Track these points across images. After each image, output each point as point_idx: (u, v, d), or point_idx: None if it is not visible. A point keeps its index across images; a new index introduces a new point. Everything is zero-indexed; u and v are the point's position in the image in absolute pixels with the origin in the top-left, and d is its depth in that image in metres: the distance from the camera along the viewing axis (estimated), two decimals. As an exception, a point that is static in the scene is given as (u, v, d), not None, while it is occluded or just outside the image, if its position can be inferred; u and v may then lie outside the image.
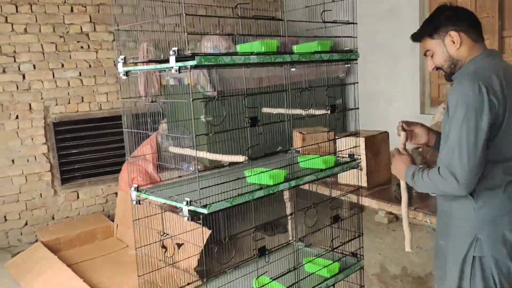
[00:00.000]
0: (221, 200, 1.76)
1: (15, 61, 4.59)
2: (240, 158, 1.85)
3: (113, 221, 4.77)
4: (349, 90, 2.32)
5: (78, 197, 5.03)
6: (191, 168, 2.56)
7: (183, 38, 1.62)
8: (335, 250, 2.41)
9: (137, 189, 2.00)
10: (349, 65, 2.23)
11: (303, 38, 2.14)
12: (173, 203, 1.82)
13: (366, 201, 3.30)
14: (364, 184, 3.42)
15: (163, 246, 2.13)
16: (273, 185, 1.94)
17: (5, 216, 4.68)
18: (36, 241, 4.50)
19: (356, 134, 2.32)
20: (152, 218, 2.10)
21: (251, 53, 1.79)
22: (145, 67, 1.87)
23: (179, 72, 1.64)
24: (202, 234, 3.17)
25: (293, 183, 2.02)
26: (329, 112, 2.14)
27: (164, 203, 1.88)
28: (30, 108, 4.70)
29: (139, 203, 2.00)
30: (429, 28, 1.83)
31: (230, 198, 1.79)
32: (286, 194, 3.94)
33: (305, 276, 2.22)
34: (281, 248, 2.59)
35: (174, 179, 2.18)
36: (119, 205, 4.68)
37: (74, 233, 4.49)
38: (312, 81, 2.31)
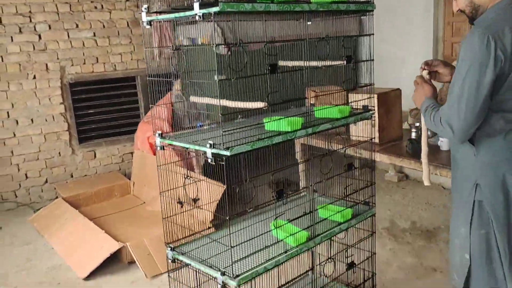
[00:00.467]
0: (243, 144, 1.85)
1: (31, 21, 4.65)
2: (260, 105, 1.93)
3: (129, 179, 4.92)
4: (362, 48, 2.35)
5: (95, 156, 5.18)
6: (205, 128, 2.64)
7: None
8: (348, 198, 2.51)
9: (161, 136, 2.09)
10: (365, 16, 2.27)
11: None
12: (197, 147, 1.92)
13: (377, 157, 3.38)
14: (376, 140, 3.50)
15: (179, 202, 2.22)
16: (291, 132, 2.03)
17: (26, 174, 4.84)
18: (56, 197, 4.68)
19: (370, 85, 2.38)
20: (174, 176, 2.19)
21: (271, 1, 1.84)
22: (168, 15, 1.92)
23: (202, 19, 1.70)
24: (217, 189, 3.31)
25: (309, 130, 2.11)
26: (345, 62, 2.19)
27: (187, 148, 1.97)
28: (47, 68, 4.79)
29: (163, 149, 2.10)
30: None
31: (251, 142, 1.88)
32: (300, 154, 4.04)
33: (319, 220, 2.34)
34: (296, 199, 2.71)
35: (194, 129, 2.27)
36: (135, 164, 4.82)
37: (93, 190, 4.66)
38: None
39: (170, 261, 2.18)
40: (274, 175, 2.01)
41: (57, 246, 3.78)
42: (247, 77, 1.83)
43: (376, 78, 2.52)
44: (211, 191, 2.90)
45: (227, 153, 1.79)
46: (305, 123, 2.13)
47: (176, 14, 1.87)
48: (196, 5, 1.70)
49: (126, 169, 5.31)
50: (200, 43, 4.51)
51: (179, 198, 2.23)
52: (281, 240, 2.16)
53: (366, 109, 2.44)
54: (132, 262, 3.43)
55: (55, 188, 4.88)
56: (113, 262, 3.44)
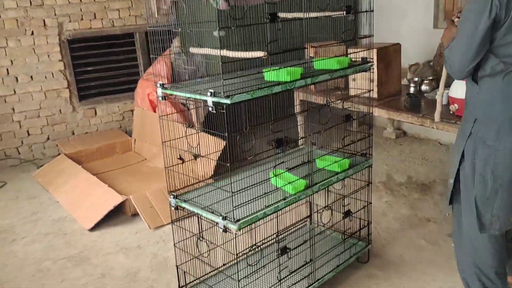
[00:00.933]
0: (243, 93, 1.89)
1: (26, -25, 4.57)
2: (259, 54, 1.94)
3: (130, 136, 4.97)
4: (361, 2, 2.35)
5: (95, 114, 5.21)
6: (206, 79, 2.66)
7: None
8: (345, 150, 2.57)
9: (163, 86, 2.12)
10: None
11: None
12: (197, 97, 1.96)
13: (376, 111, 3.42)
14: (375, 95, 3.53)
15: (180, 158, 2.27)
16: (290, 82, 2.06)
17: (28, 131, 4.89)
18: (59, 154, 4.74)
19: (369, 36, 2.38)
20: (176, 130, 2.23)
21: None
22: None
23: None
24: (218, 144, 3.37)
25: (308, 80, 2.14)
26: (344, 13, 2.20)
27: (188, 97, 2.01)
28: (45, 25, 4.74)
29: (164, 99, 2.13)
30: None
31: (251, 91, 1.91)
32: (299, 108, 4.07)
33: (317, 170, 2.40)
34: (295, 151, 2.77)
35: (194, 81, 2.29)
36: (136, 121, 4.86)
37: (95, 147, 4.72)
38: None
39: (173, 208, 2.26)
40: (273, 132, 2.05)
41: (62, 200, 3.88)
42: (246, 26, 1.84)
43: (376, 33, 2.52)
44: (211, 146, 2.96)
45: (228, 101, 1.83)
46: (304, 73, 2.15)
47: (176, -39, 1.85)
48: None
49: (127, 127, 5.36)
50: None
51: (180, 155, 2.28)
52: (280, 188, 2.23)
53: (365, 61, 2.45)
54: (135, 215, 3.54)
55: (57, 145, 4.94)
56: (117, 215, 3.54)
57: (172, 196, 2.25)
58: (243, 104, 1.91)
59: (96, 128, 5.24)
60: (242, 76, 2.05)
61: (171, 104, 4.10)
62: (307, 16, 2.20)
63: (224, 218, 1.99)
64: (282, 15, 2.45)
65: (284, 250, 2.23)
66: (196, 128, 4.07)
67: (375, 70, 3.43)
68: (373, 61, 2.48)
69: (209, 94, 1.86)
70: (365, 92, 2.52)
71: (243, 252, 2.16)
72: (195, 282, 2.44)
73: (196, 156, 2.30)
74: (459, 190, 2.11)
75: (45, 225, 3.52)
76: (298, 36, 2.22)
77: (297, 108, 3.52)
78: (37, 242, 3.27)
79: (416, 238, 3.00)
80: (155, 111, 4.57)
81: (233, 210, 2.00)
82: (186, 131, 2.17)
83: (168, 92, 2.11)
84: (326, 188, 2.65)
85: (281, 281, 2.30)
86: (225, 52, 2.04)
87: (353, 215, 2.62)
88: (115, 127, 5.33)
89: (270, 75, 2.06)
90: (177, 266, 2.38)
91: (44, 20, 4.73)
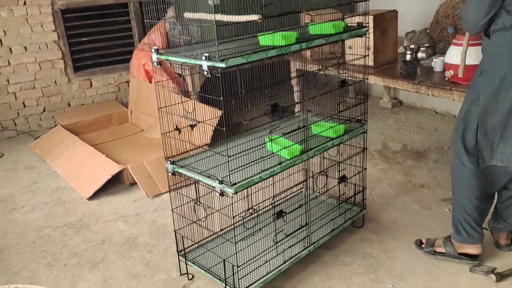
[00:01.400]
0: (238, 57, 1.89)
1: None
2: (254, 17, 1.94)
3: (127, 107, 4.97)
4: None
5: (91, 85, 5.18)
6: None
7: None
8: (341, 115, 2.58)
9: (157, 51, 2.11)
10: None
11: None
12: (192, 61, 1.96)
13: (371, 79, 3.43)
14: (371, 63, 3.52)
15: (177, 128, 2.28)
16: (285, 46, 2.05)
17: (23, 102, 4.88)
18: (55, 125, 4.74)
19: (366, 0, 2.37)
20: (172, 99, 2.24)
21: None
22: None
23: None
24: (214, 114, 3.37)
25: (304, 45, 2.14)
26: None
27: (183, 62, 2.01)
28: (37, -6, 4.67)
29: (159, 65, 2.13)
30: None
31: (246, 55, 1.91)
32: (294, 82, 4.08)
33: (312, 135, 2.42)
34: (291, 119, 2.78)
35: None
36: (132, 92, 4.84)
37: (91, 118, 4.72)
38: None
39: (170, 174, 2.29)
40: (269, 97, 2.06)
41: (60, 170, 3.91)
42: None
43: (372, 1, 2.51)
44: (208, 116, 2.96)
45: (222, 65, 1.83)
46: (300, 38, 2.15)
47: None
48: None
49: (123, 98, 5.34)
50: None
51: (176, 125, 2.29)
52: (276, 153, 2.26)
53: (360, 25, 2.44)
54: (133, 184, 3.57)
55: (53, 117, 4.93)
56: (115, 184, 3.58)
57: (169, 162, 2.27)
58: (240, 73, 1.92)
59: (92, 99, 5.23)
60: (237, 40, 2.04)
61: (167, 73, 4.09)
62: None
63: (221, 182, 2.02)
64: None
65: (280, 214, 2.28)
66: (193, 97, 4.08)
67: (371, 37, 3.42)
68: (368, 26, 2.46)
69: (204, 58, 1.87)
70: (361, 58, 2.51)
71: (240, 216, 2.20)
72: (193, 246, 2.50)
73: (192, 126, 2.32)
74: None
75: (44, 194, 3.56)
76: (293, 3, 2.20)
77: (294, 79, 3.52)
78: (37, 211, 3.31)
79: (410, 203, 3.06)
80: (151, 82, 4.56)
81: (229, 174, 2.03)
82: (181, 98, 2.18)
83: (163, 57, 2.10)
84: (322, 155, 2.68)
85: (277, 244, 2.36)
86: (220, 17, 2.03)
87: (348, 180, 2.66)
88: (111, 99, 5.32)
89: (265, 39, 2.06)
90: (175, 231, 2.42)
91: (35, -11, 4.66)
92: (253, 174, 2.09)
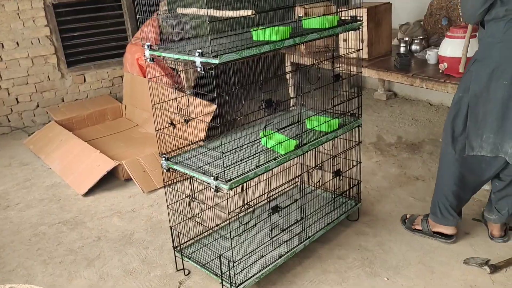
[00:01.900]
0: (231, 52, 1.88)
1: None
2: (247, 12, 1.93)
3: (121, 102, 4.94)
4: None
5: (84, 80, 5.15)
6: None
7: None
8: (335, 110, 2.58)
9: (150, 47, 2.10)
10: None
11: None
12: (186, 57, 1.94)
13: (366, 72, 3.43)
14: (365, 55, 3.52)
15: (172, 123, 2.27)
16: (279, 41, 2.05)
17: (16, 98, 4.84)
18: (49, 121, 4.72)
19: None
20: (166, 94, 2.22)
21: None
22: None
23: None
24: (208, 109, 3.36)
25: (297, 39, 2.13)
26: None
27: (177, 58, 2.00)
28: (28, -12, 4.62)
29: (152, 61, 2.12)
30: None
31: (239, 50, 1.90)
32: (289, 76, 4.06)
33: (307, 130, 2.42)
34: (285, 113, 2.78)
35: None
36: (126, 87, 4.82)
37: (85, 114, 4.69)
38: None
39: (165, 170, 2.28)
40: (263, 92, 2.05)
41: (54, 166, 3.89)
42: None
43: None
44: (202, 111, 2.95)
45: (216, 61, 1.82)
46: (293, 33, 2.14)
47: None
48: None
49: (117, 93, 5.31)
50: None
51: (170, 120, 2.28)
52: (270, 149, 2.25)
53: (354, 19, 2.43)
54: (128, 179, 3.57)
55: (47, 112, 4.90)
56: (110, 180, 3.57)
57: (163, 159, 2.27)
58: (234, 69, 1.91)
59: (86, 94, 5.20)
60: (230, 35, 2.03)
61: (160, 68, 4.06)
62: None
63: (216, 179, 2.02)
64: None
65: (275, 209, 2.28)
66: (186, 92, 4.06)
67: (365, 30, 3.41)
68: (362, 20, 2.46)
69: (197, 54, 1.85)
70: (355, 51, 2.51)
71: (235, 211, 2.20)
72: (189, 242, 2.50)
73: (187, 121, 2.31)
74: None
75: (38, 191, 3.55)
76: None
77: (288, 70, 3.51)
78: (32, 208, 3.30)
79: (404, 195, 3.07)
80: (145, 76, 4.53)
81: (224, 170, 2.02)
82: (175, 93, 2.17)
83: (156, 53, 2.09)
84: (316, 149, 2.68)
85: (273, 239, 2.36)
86: (213, 12, 2.02)
87: (343, 174, 2.67)
88: (105, 93, 5.29)
89: (258, 34, 2.05)
90: (171, 227, 2.42)
91: (27, -16, 4.60)
92: (248, 170, 2.09)
